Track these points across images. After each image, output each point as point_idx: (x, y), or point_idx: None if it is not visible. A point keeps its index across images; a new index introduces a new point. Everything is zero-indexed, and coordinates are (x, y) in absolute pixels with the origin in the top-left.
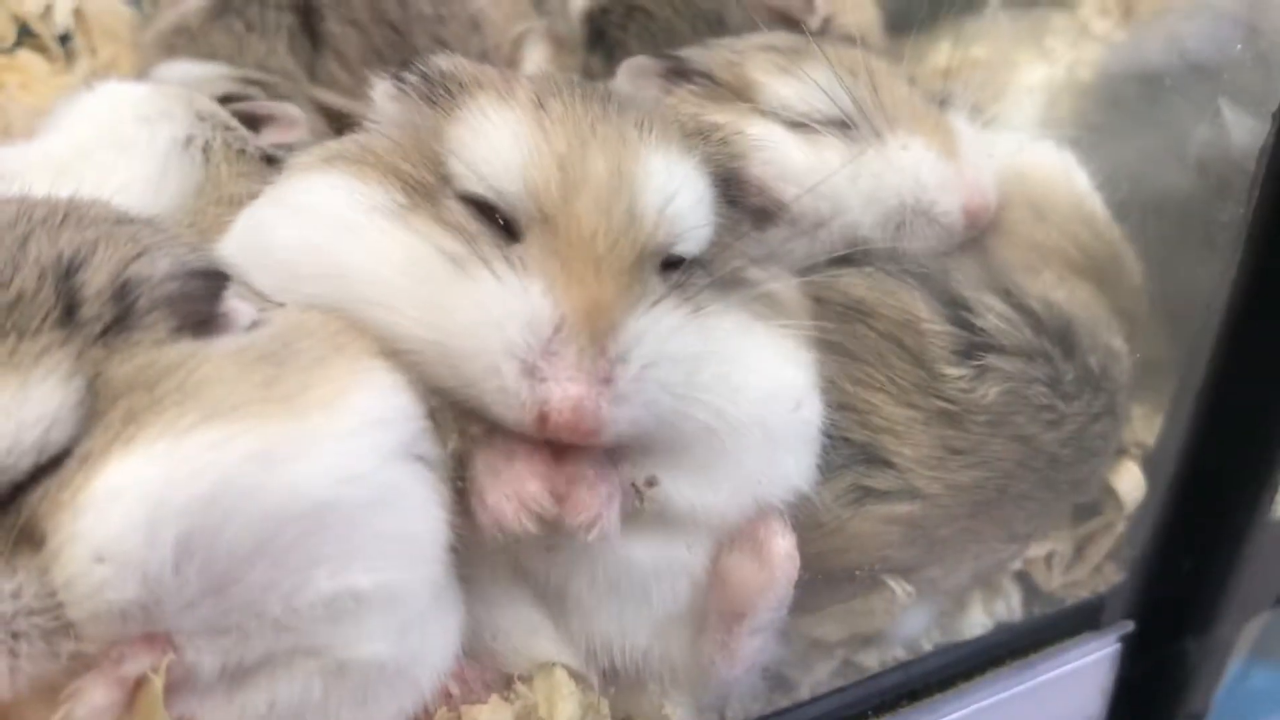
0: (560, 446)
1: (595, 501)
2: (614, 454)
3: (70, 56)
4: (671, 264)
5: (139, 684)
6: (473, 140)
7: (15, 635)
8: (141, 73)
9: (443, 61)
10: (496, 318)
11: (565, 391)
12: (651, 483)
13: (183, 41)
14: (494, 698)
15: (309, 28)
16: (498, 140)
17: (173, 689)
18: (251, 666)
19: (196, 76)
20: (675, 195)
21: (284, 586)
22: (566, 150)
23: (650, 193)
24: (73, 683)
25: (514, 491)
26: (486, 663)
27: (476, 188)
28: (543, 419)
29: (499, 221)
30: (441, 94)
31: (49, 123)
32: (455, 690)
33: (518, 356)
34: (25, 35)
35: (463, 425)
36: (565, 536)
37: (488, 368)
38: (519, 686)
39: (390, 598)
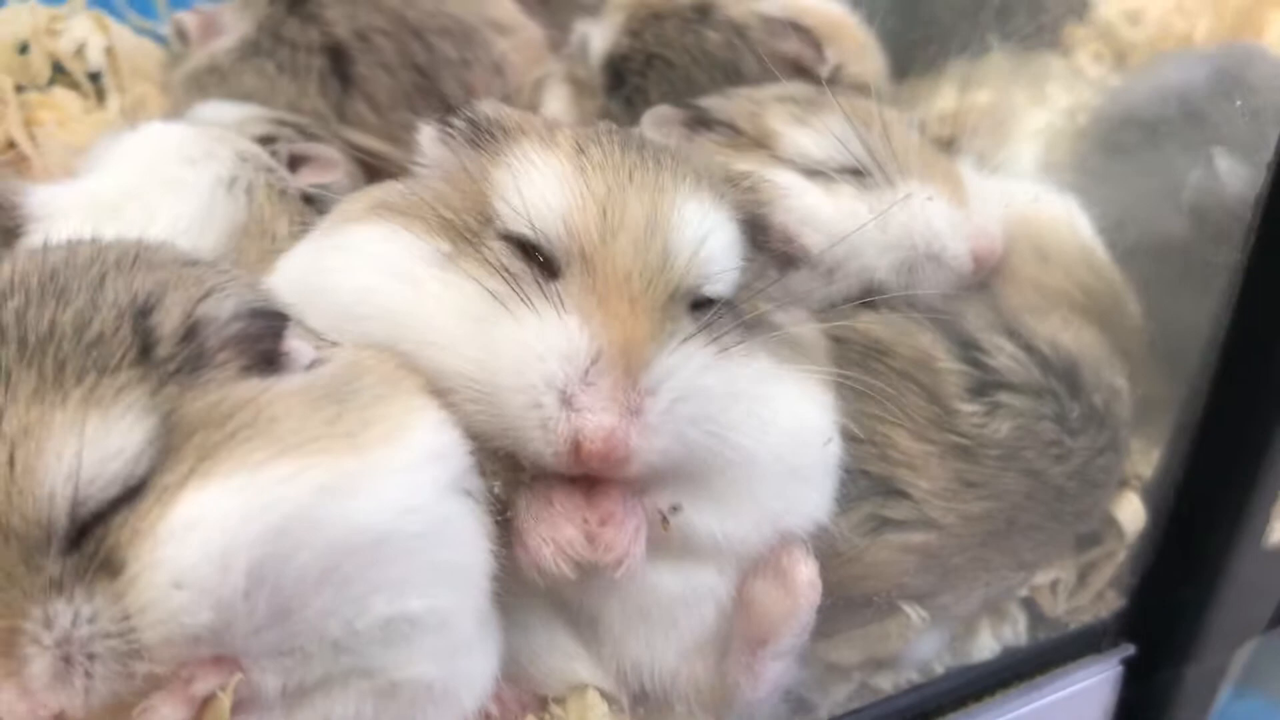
0: (592, 483)
1: (624, 540)
2: (641, 486)
3: (101, 94)
4: (701, 304)
5: (207, 702)
6: (517, 182)
7: (91, 656)
8: (172, 111)
9: (488, 108)
10: (538, 351)
11: (600, 421)
12: (676, 509)
13: (214, 81)
14: (530, 718)
15: (338, 70)
16: (541, 183)
17: (238, 707)
18: (311, 686)
19: (233, 118)
20: (706, 239)
21: (345, 612)
22: (606, 194)
23: (683, 236)
24: (143, 701)
25: (551, 536)
26: (523, 685)
27: (520, 227)
28: (576, 449)
29: (539, 259)
30: (487, 139)
31: (91, 161)
32: (494, 711)
33: (557, 388)
34: (58, 73)
35: (508, 469)
36: (596, 573)
37: (530, 401)
38: (554, 708)
39: (441, 623)
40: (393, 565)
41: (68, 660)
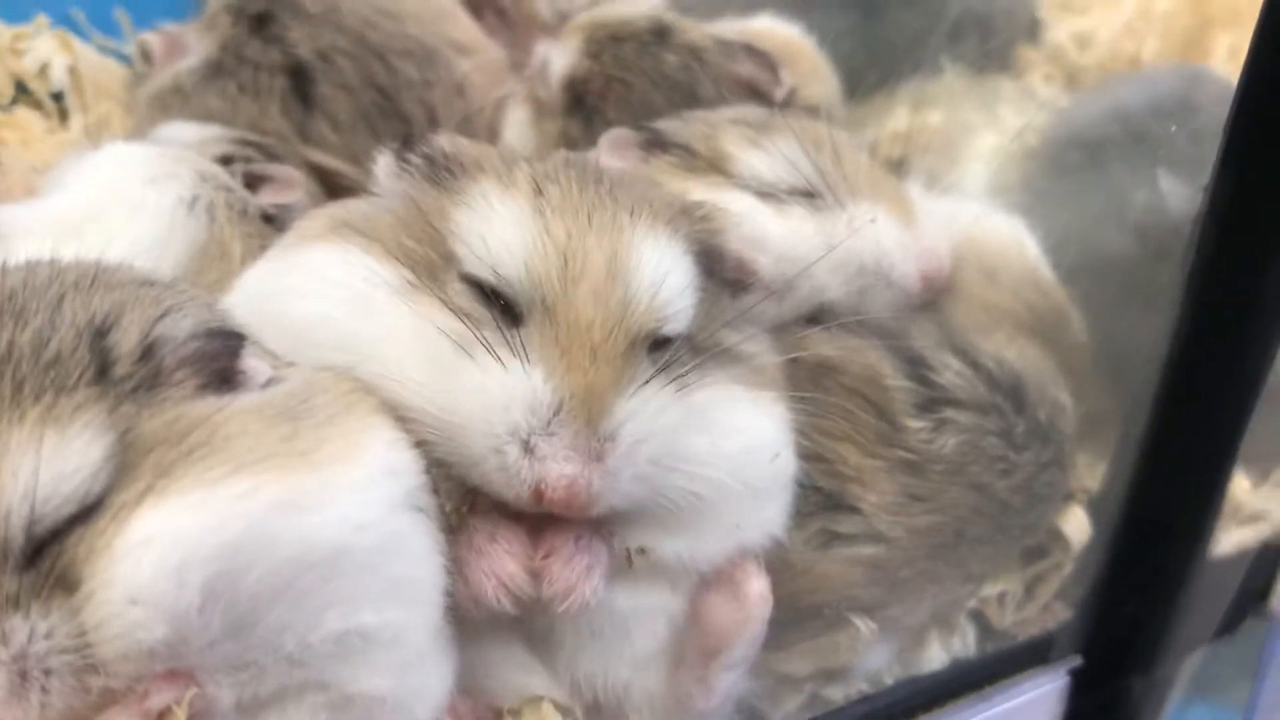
0: (545, 517)
1: (570, 575)
2: (604, 523)
3: (64, 114)
4: (660, 343)
5: (162, 717)
6: (477, 226)
7: (47, 672)
8: (135, 130)
9: (445, 143)
10: (502, 402)
11: (561, 470)
12: (643, 551)
13: (177, 102)
14: None
15: (300, 90)
16: (502, 229)
17: None
18: (265, 699)
19: (194, 138)
20: (664, 281)
21: (299, 626)
22: (566, 240)
23: (642, 282)
24: (99, 716)
25: (492, 570)
26: (478, 697)
27: (481, 272)
28: (539, 495)
29: (500, 304)
30: (445, 175)
31: (53, 181)
32: None
33: (520, 437)
34: (20, 92)
35: (460, 492)
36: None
37: (491, 448)
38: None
39: (394, 637)
40: (346, 580)
41: (24, 675)
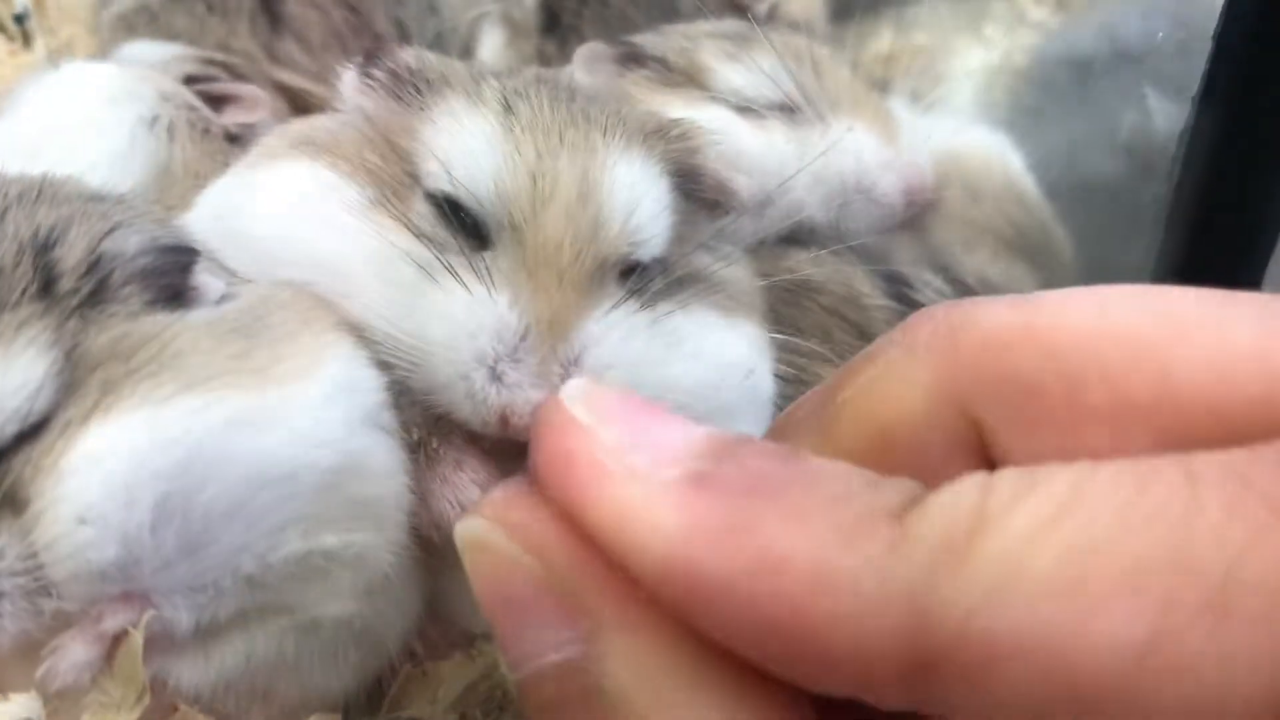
0: (510, 448)
1: None
2: None
3: (28, 37)
4: (632, 269)
5: (118, 639)
6: (444, 143)
7: None
8: (101, 53)
9: (409, 57)
10: (467, 329)
11: (527, 396)
12: None
13: (143, 21)
14: (457, 655)
15: (269, 9)
16: (470, 145)
17: (150, 644)
18: (226, 623)
19: (159, 57)
20: (638, 205)
21: (257, 546)
22: (536, 160)
23: (615, 204)
24: (54, 640)
25: (457, 499)
26: (449, 622)
27: (449, 190)
28: (504, 422)
29: (465, 223)
30: (410, 91)
31: (12, 101)
32: (420, 649)
33: (485, 364)
34: None
35: (422, 422)
36: None
37: (457, 374)
38: (481, 644)
39: (358, 558)
40: (305, 500)
41: None
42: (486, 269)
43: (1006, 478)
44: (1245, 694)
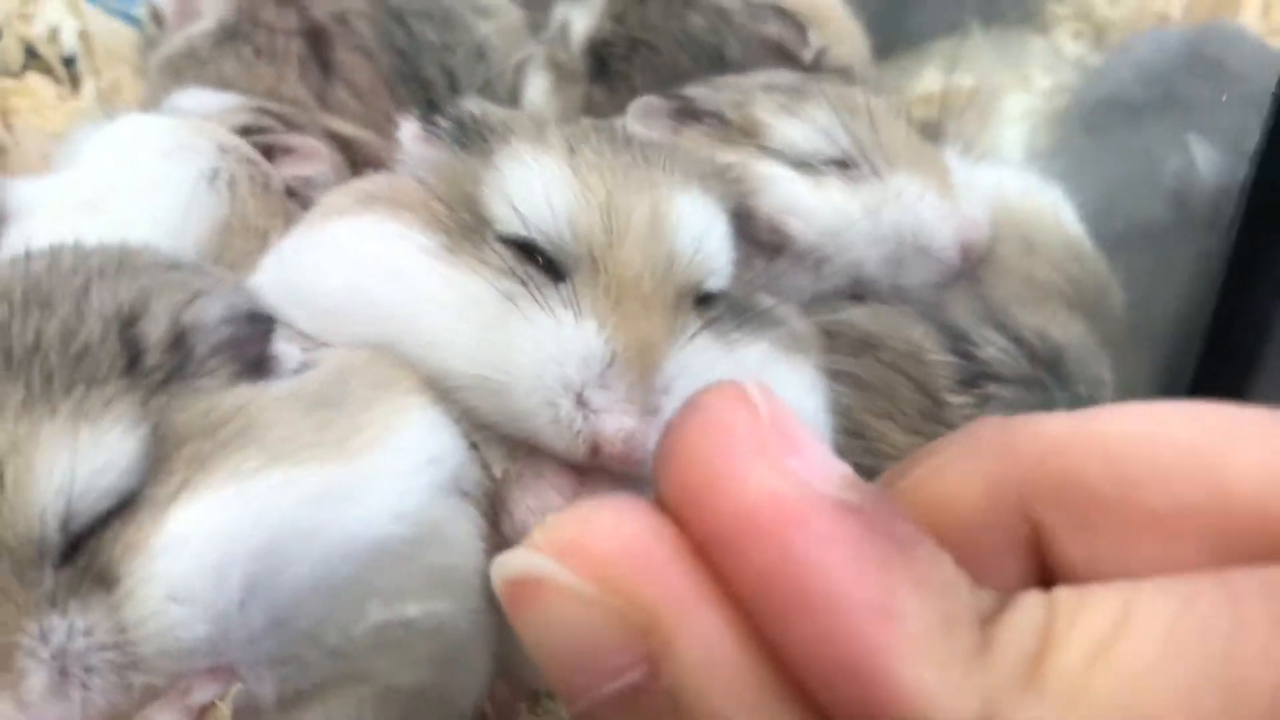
0: (585, 468)
1: None
2: (648, 482)
3: (75, 79)
4: (703, 299)
5: (205, 712)
6: (516, 186)
7: (88, 669)
8: (148, 97)
9: (473, 106)
10: (555, 355)
11: (620, 424)
12: None
13: (191, 66)
14: (524, 712)
15: (318, 55)
16: (541, 186)
17: (236, 717)
18: (308, 692)
19: (213, 107)
20: (706, 235)
21: (341, 618)
22: (606, 196)
23: (685, 234)
24: (141, 712)
25: (540, 507)
26: (516, 680)
27: (522, 231)
28: (595, 450)
29: (541, 262)
30: (475, 139)
31: (68, 152)
32: (489, 709)
33: (574, 390)
34: (31, 58)
35: (503, 460)
36: None
37: (545, 402)
38: (546, 701)
39: (436, 626)
40: (388, 571)
41: (64, 673)
42: (573, 297)
43: (1063, 599)
44: None
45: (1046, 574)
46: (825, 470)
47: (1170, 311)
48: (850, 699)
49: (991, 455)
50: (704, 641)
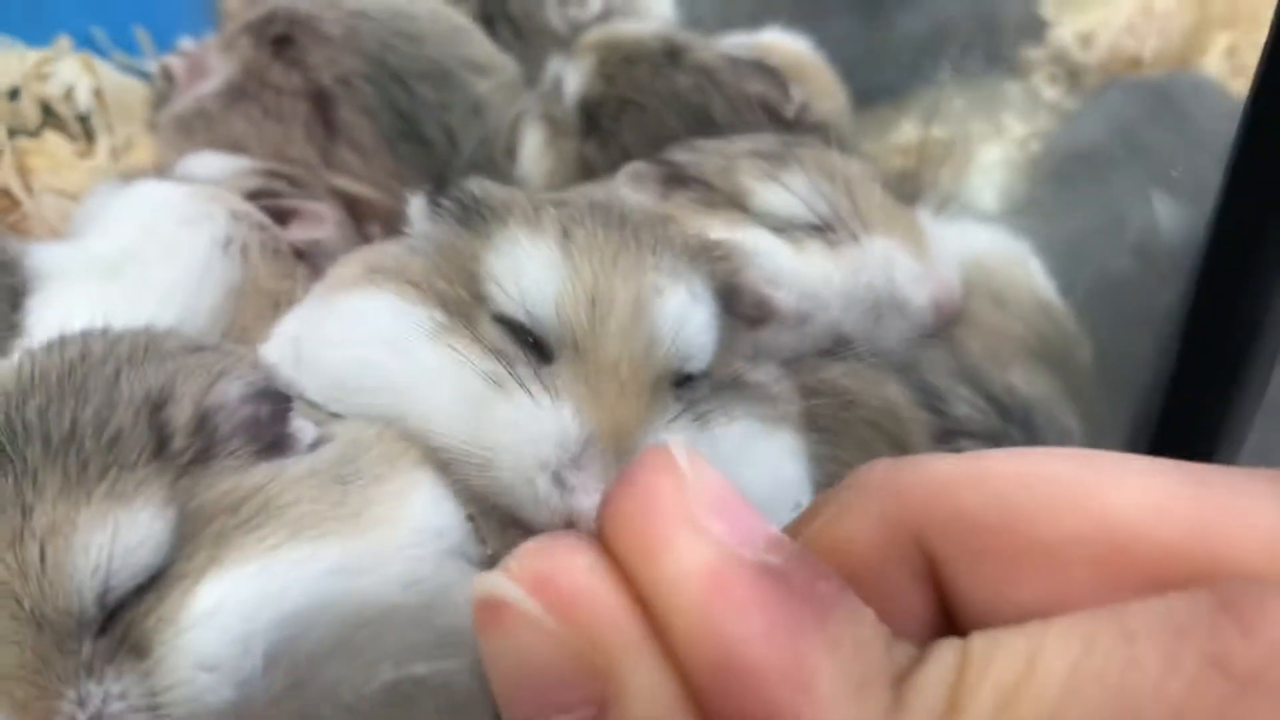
0: None
1: None
2: None
3: (91, 136)
4: (683, 380)
5: None
6: (508, 269)
7: None
8: (160, 155)
9: (475, 187)
10: (533, 436)
11: (592, 501)
12: None
13: (201, 125)
14: None
15: (323, 115)
16: (532, 271)
17: None
18: None
19: (224, 170)
20: (687, 321)
21: (355, 679)
22: (594, 282)
23: (667, 319)
24: None
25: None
26: None
27: (512, 312)
28: (569, 526)
29: (529, 341)
30: (476, 219)
31: (85, 214)
32: None
33: (550, 470)
34: (47, 116)
35: (496, 534)
36: None
37: (523, 479)
38: None
39: (444, 682)
40: (399, 635)
41: None
42: (552, 381)
43: (975, 648)
44: None
45: (950, 611)
46: (750, 533)
47: (1137, 362)
48: None
49: (883, 496)
50: (653, 695)
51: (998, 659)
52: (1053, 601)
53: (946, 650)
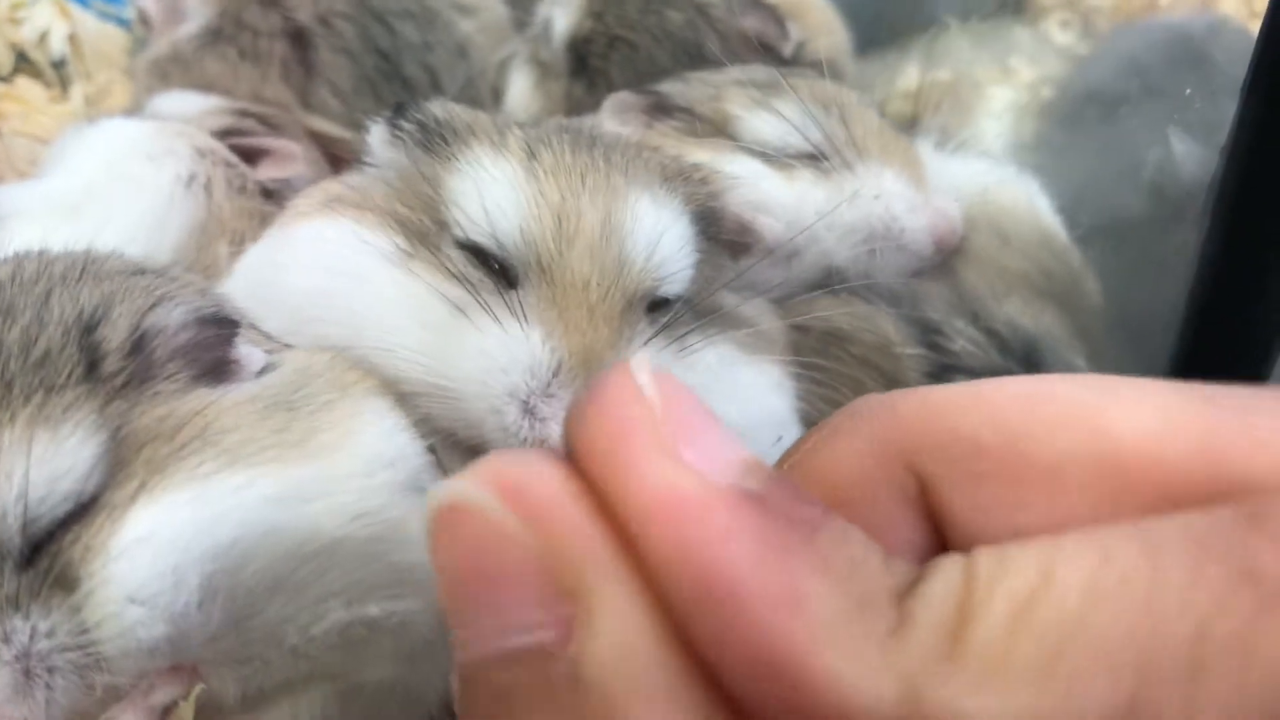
0: None
1: None
2: None
3: (65, 83)
4: (658, 304)
5: (168, 711)
6: (471, 191)
7: (50, 670)
8: (136, 99)
9: (437, 108)
10: (501, 364)
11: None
12: None
13: (177, 69)
14: None
15: (301, 56)
16: (496, 193)
17: (199, 715)
18: (271, 691)
19: (193, 109)
20: (660, 241)
21: (301, 618)
22: (560, 202)
23: (638, 240)
24: (105, 713)
25: None
26: None
27: (476, 236)
28: None
29: (495, 268)
30: (438, 142)
31: (51, 157)
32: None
33: (519, 399)
34: (21, 62)
35: (465, 464)
36: None
37: (492, 409)
38: None
39: (400, 624)
40: (347, 571)
41: (28, 674)
42: (520, 306)
43: (982, 562)
44: None
45: (941, 535)
46: (724, 458)
47: (1148, 304)
48: (767, 694)
49: (875, 420)
50: (625, 623)
51: (1010, 571)
52: (1054, 524)
53: (950, 566)
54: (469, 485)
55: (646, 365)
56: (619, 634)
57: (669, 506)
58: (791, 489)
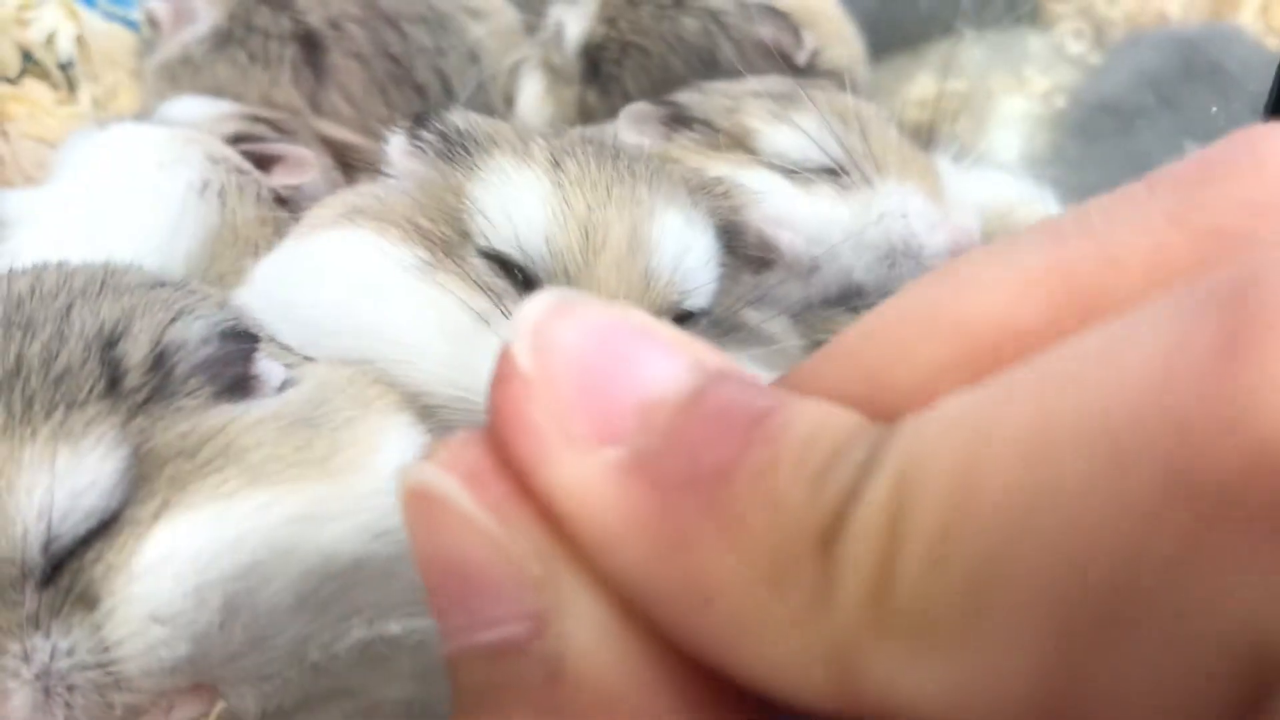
0: None
1: None
2: None
3: (73, 84)
4: (682, 318)
5: None
6: (495, 201)
7: (71, 689)
8: (145, 102)
9: (458, 118)
10: None
11: None
12: None
13: (187, 73)
14: None
15: (311, 60)
16: (521, 202)
17: None
18: (291, 708)
19: (205, 114)
20: (685, 254)
21: (323, 636)
22: (587, 212)
23: (663, 253)
24: None
25: None
26: None
27: (500, 245)
28: None
29: (519, 277)
30: (459, 152)
31: (61, 161)
32: None
33: None
34: (28, 63)
35: None
36: None
37: None
38: None
39: (419, 642)
40: (368, 590)
41: (48, 692)
42: None
43: (907, 461)
44: None
45: None
46: (617, 413)
47: None
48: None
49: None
50: (596, 615)
51: (929, 474)
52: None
53: (880, 475)
54: (435, 470)
55: (530, 328)
56: (591, 629)
57: (562, 508)
58: (712, 407)
